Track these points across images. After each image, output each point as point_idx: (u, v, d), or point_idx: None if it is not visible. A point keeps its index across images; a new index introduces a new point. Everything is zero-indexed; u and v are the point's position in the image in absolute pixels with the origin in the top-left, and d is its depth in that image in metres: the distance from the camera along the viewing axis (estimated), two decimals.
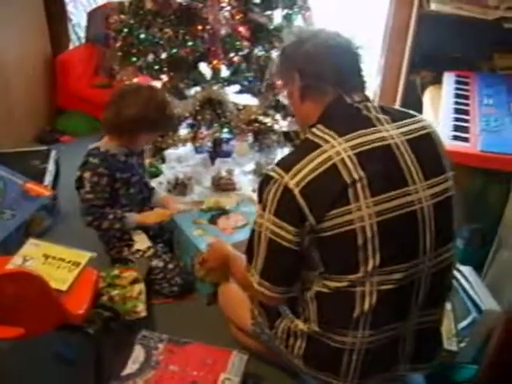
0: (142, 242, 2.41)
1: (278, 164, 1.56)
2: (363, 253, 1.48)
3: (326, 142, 1.50)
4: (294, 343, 1.72)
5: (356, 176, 1.45)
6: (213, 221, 2.49)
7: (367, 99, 1.59)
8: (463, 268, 2.14)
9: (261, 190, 1.57)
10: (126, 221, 2.37)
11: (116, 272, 2.23)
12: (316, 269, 1.57)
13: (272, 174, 1.52)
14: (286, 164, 1.52)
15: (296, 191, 1.46)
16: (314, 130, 1.55)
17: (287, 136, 1.48)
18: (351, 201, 1.45)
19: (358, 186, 1.45)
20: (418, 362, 1.70)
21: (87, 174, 2.30)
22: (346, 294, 1.53)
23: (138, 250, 2.39)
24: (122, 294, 2.16)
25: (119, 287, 2.18)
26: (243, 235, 2.28)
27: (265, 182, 1.55)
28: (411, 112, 1.67)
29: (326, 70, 1.56)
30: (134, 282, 2.22)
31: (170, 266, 2.37)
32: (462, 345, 1.98)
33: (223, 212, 2.54)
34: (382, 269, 1.49)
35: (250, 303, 1.92)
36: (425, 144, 1.58)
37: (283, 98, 2.75)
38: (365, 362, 1.60)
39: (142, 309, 2.16)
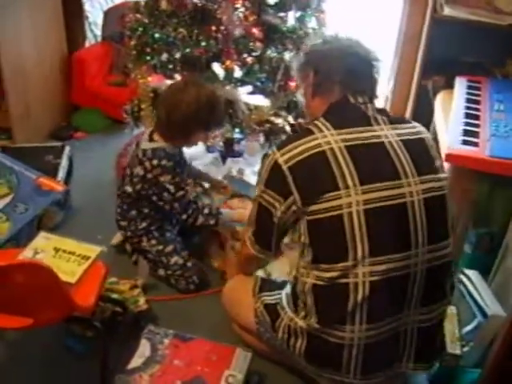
0: (142, 272, 2.41)
1: (276, 144, 1.73)
2: (351, 240, 1.54)
3: (320, 131, 1.62)
4: (295, 342, 1.74)
5: (344, 165, 1.55)
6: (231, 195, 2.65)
7: (370, 101, 1.70)
8: (469, 272, 2.14)
9: (261, 166, 1.76)
10: (222, 218, 2.37)
11: (114, 279, 2.26)
12: (307, 254, 1.64)
13: (269, 152, 1.69)
14: (280, 144, 1.68)
15: (284, 167, 1.60)
16: (315, 121, 1.67)
17: (293, 128, 1.65)
18: (340, 186, 1.54)
19: (347, 173, 1.54)
20: (419, 360, 1.72)
21: (168, 178, 2.27)
22: (339, 286, 1.59)
23: (158, 245, 2.42)
24: (121, 296, 2.20)
25: (118, 292, 2.22)
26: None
27: (264, 158, 1.73)
28: (409, 119, 1.82)
29: (336, 71, 1.69)
30: (133, 287, 2.26)
31: (189, 264, 2.40)
32: (466, 349, 1.99)
33: (245, 195, 2.64)
34: (371, 258, 1.55)
35: (254, 302, 1.94)
36: (419, 146, 1.68)
37: (295, 99, 2.77)
38: (366, 358, 1.62)
39: (142, 302, 2.20)
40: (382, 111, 1.70)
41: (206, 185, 2.72)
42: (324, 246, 1.62)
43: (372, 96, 1.72)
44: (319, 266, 1.61)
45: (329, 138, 1.59)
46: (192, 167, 2.72)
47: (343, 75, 1.68)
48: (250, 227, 1.84)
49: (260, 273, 2.18)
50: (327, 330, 1.63)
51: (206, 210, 2.35)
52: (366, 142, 1.60)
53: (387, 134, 1.63)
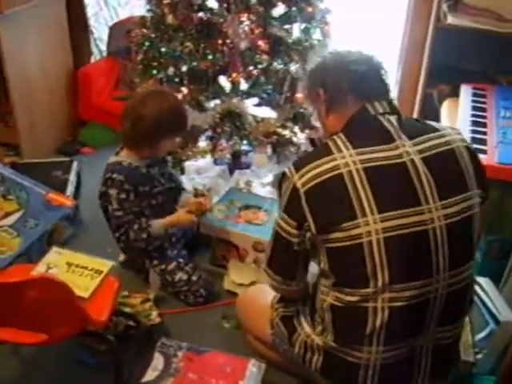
0: (153, 285, 2.41)
1: (293, 162, 1.63)
2: (371, 268, 1.49)
3: (339, 150, 1.53)
4: (312, 357, 1.74)
5: (362, 191, 1.47)
6: (241, 208, 2.61)
7: (391, 111, 1.60)
8: (481, 279, 2.14)
9: (279, 186, 1.66)
10: (152, 229, 2.34)
11: (126, 293, 2.27)
12: (328, 277, 1.59)
13: (287, 171, 1.60)
14: (298, 163, 1.59)
15: (301, 191, 1.53)
16: (334, 137, 1.59)
17: (312, 142, 1.57)
18: (358, 215, 1.47)
19: (364, 201, 1.47)
20: (434, 376, 1.69)
21: (113, 192, 2.29)
22: (358, 310, 1.55)
23: (160, 264, 2.42)
24: (133, 310, 2.20)
25: (130, 306, 2.22)
26: (246, 229, 2.46)
27: (282, 178, 1.64)
28: (438, 125, 1.67)
29: (344, 80, 1.62)
30: (145, 301, 2.27)
31: (194, 278, 2.39)
32: (480, 356, 1.98)
33: (257, 207, 2.61)
34: (392, 286, 1.50)
35: (270, 313, 1.92)
36: (444, 161, 1.57)
37: (302, 110, 2.79)
38: (381, 377, 1.61)
39: (155, 316, 2.20)
40: (404, 123, 1.59)
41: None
42: (345, 272, 1.56)
43: (387, 96, 1.64)
44: (341, 289, 1.57)
45: (347, 159, 1.50)
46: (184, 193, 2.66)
47: (352, 82, 1.61)
48: (266, 258, 1.76)
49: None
50: (344, 350, 1.62)
51: (136, 226, 2.32)
52: (385, 162, 1.51)
53: (409, 150, 1.53)
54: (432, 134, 1.59)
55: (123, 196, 2.30)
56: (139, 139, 2.30)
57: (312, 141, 1.61)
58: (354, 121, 1.60)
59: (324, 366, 1.71)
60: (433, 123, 1.68)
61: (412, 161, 1.52)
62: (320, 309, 1.68)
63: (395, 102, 1.65)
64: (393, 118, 1.58)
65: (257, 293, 2.12)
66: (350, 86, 1.61)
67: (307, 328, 1.75)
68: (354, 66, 1.62)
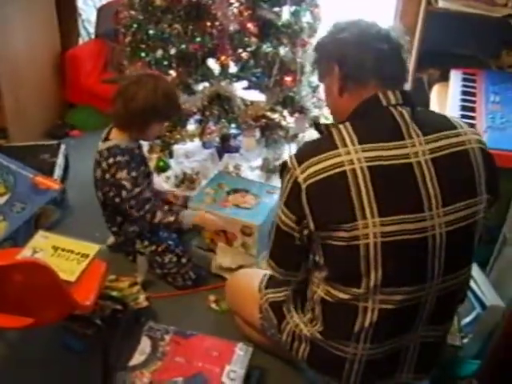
0: (141, 269, 2.41)
1: (295, 153, 1.55)
2: (365, 269, 1.46)
3: (344, 145, 1.44)
4: (299, 347, 1.74)
5: (364, 192, 1.41)
6: (229, 192, 2.58)
7: (404, 102, 1.49)
8: None
9: (281, 176, 1.58)
10: (182, 215, 2.34)
11: (113, 276, 2.26)
12: (322, 270, 1.58)
13: (288, 162, 1.52)
14: (300, 155, 1.51)
15: (303, 186, 1.46)
16: (340, 126, 1.49)
17: (317, 127, 1.47)
18: (358, 217, 1.42)
19: (366, 203, 1.41)
20: (419, 371, 1.69)
21: (123, 174, 2.26)
22: (347, 307, 1.54)
23: (150, 245, 2.41)
24: (120, 294, 2.20)
25: (117, 290, 2.22)
26: (234, 213, 2.44)
27: (283, 169, 1.55)
28: (455, 121, 1.58)
29: (366, 58, 1.49)
30: (132, 285, 2.26)
31: (183, 260, 2.40)
32: (466, 340, 2.00)
33: (245, 190, 2.59)
34: (383, 288, 1.48)
35: (258, 297, 1.92)
36: (455, 164, 1.50)
37: (291, 94, 2.77)
38: (366, 371, 1.62)
39: (142, 300, 2.20)
40: (418, 117, 1.49)
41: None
42: (338, 270, 1.53)
43: (403, 82, 1.54)
44: (333, 285, 1.56)
45: (352, 156, 1.42)
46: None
47: (374, 61, 1.48)
48: (268, 250, 1.71)
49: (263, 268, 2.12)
50: (330, 343, 1.62)
51: (166, 207, 2.35)
52: (392, 162, 1.43)
53: (418, 150, 1.45)
54: (448, 132, 1.51)
55: (134, 174, 2.29)
56: (130, 119, 2.28)
57: (318, 125, 1.51)
58: (363, 108, 1.50)
59: (310, 356, 1.71)
60: (450, 117, 1.61)
61: (419, 163, 1.45)
62: (311, 299, 1.67)
63: (409, 91, 1.55)
64: (405, 111, 1.48)
65: (246, 276, 2.12)
66: (375, 66, 1.49)
67: (296, 317, 1.75)
68: (380, 44, 1.48)
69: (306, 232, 1.51)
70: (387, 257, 1.45)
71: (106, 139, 2.36)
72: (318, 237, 1.50)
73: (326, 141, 1.49)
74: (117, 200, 2.32)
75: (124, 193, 2.29)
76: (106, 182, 2.32)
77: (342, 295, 1.54)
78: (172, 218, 2.33)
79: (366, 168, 1.41)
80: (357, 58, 1.49)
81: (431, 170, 1.45)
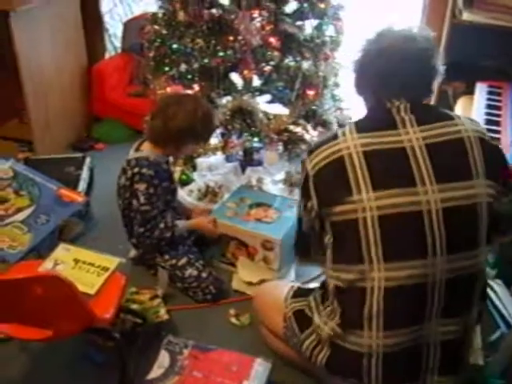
0: (162, 282, 2.41)
1: (308, 148, 1.76)
2: (366, 244, 1.54)
3: (343, 134, 1.62)
4: (319, 353, 1.74)
5: (359, 171, 1.55)
6: (251, 206, 2.59)
7: (411, 102, 1.61)
8: (493, 282, 2.11)
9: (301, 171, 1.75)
10: (177, 229, 2.41)
11: (134, 289, 2.27)
12: (330, 254, 1.66)
13: (304, 156, 1.72)
14: (310, 149, 1.70)
15: (310, 174, 1.64)
16: (347, 124, 1.73)
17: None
18: (354, 192, 1.54)
19: (361, 179, 1.54)
20: (444, 373, 1.67)
21: (142, 186, 2.31)
22: (356, 290, 1.59)
23: (171, 259, 2.43)
24: (141, 307, 2.20)
25: (138, 302, 2.22)
26: (255, 227, 2.44)
27: (301, 163, 1.74)
28: (455, 114, 1.68)
29: (367, 76, 1.68)
30: (153, 298, 2.27)
31: (204, 274, 2.40)
32: (490, 359, 1.96)
33: (267, 205, 2.59)
34: (386, 264, 1.53)
35: (283, 307, 1.93)
36: (448, 149, 1.58)
37: (314, 107, 2.77)
38: (385, 369, 1.61)
39: (163, 313, 2.20)
40: (414, 110, 1.60)
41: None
42: (342, 246, 1.62)
43: (416, 95, 1.63)
44: (339, 268, 1.63)
45: (349, 143, 1.58)
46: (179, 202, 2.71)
47: (372, 80, 1.66)
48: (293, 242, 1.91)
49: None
50: (347, 337, 1.64)
51: (162, 225, 2.37)
52: (385, 146, 1.56)
53: (412, 137, 1.56)
54: (445, 122, 1.60)
55: (152, 191, 2.32)
56: (167, 137, 2.33)
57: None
58: (369, 110, 1.72)
59: (330, 360, 1.72)
60: (450, 112, 1.69)
61: (412, 147, 1.56)
62: (328, 292, 1.71)
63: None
64: (403, 106, 1.60)
65: (273, 287, 2.15)
66: (371, 84, 1.68)
67: (317, 318, 1.76)
68: (381, 66, 1.62)
69: (313, 214, 1.66)
70: (385, 230, 1.53)
71: (138, 149, 2.40)
72: (325, 215, 1.63)
73: (331, 134, 1.69)
74: (129, 210, 2.38)
75: (135, 203, 2.33)
76: (127, 189, 2.37)
77: (349, 276, 1.59)
78: (168, 234, 2.38)
79: (361, 152, 1.56)
80: (360, 74, 1.71)
81: (424, 154, 1.55)
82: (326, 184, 1.62)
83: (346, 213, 1.56)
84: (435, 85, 1.70)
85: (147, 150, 2.38)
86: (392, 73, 1.61)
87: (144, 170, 2.31)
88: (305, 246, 1.85)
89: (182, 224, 2.45)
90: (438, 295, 1.56)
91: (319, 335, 1.73)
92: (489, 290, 2.07)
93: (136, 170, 2.32)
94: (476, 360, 1.93)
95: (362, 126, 1.63)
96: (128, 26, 3.80)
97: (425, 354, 1.63)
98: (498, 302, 2.02)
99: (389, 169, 1.56)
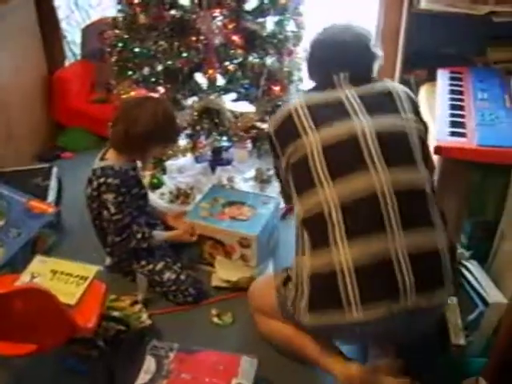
0: (141, 287, 2.39)
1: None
2: (315, 171, 1.79)
3: (293, 101, 1.97)
4: (301, 299, 1.82)
5: (303, 117, 1.86)
6: (225, 204, 2.59)
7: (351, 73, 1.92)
8: (467, 262, 2.15)
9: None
10: (153, 241, 2.40)
11: (113, 296, 2.26)
12: (293, 192, 1.90)
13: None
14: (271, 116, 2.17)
15: (272, 132, 1.97)
16: None
17: None
18: (301, 133, 1.84)
19: (305, 122, 1.85)
20: (420, 290, 1.71)
21: (111, 196, 2.28)
22: (317, 215, 1.78)
23: (147, 265, 2.42)
24: (123, 314, 2.19)
25: (119, 309, 2.21)
26: (231, 226, 2.46)
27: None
28: (385, 80, 2.00)
29: (314, 65, 2.05)
30: (134, 303, 2.26)
31: (182, 277, 2.39)
32: (470, 338, 2.00)
33: (241, 202, 2.60)
34: (334, 181, 1.76)
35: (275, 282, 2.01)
36: (377, 95, 1.90)
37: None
38: (360, 286, 1.69)
39: (145, 318, 2.19)
40: (362, 78, 1.94)
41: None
42: (298, 177, 1.87)
43: (355, 71, 1.92)
44: (301, 199, 1.85)
45: (296, 103, 1.91)
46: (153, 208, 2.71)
47: (319, 65, 2.02)
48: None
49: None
50: (320, 259, 1.77)
51: (139, 235, 2.36)
52: (324, 99, 1.89)
53: (346, 92, 1.88)
54: (376, 84, 1.94)
55: (121, 199, 2.30)
56: (132, 144, 2.30)
57: None
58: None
59: (310, 298, 1.79)
60: (385, 80, 2.01)
61: (347, 97, 1.87)
62: (302, 234, 1.86)
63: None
64: (343, 75, 1.91)
65: (265, 277, 2.26)
66: (319, 70, 2.03)
67: (298, 260, 1.87)
68: (329, 42, 2.00)
69: (283, 165, 1.92)
70: (329, 156, 1.79)
71: (102, 158, 2.36)
72: (286, 159, 1.90)
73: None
74: (100, 220, 2.37)
75: (105, 213, 2.31)
76: (94, 200, 2.34)
77: (309, 203, 1.81)
78: (144, 245, 2.39)
79: (305, 105, 1.88)
80: (310, 60, 2.05)
81: (356, 99, 1.87)
82: (282, 134, 1.93)
83: (298, 150, 1.84)
84: (375, 67, 2.01)
85: (112, 158, 2.35)
86: (334, 55, 1.95)
87: (110, 180, 2.28)
88: (285, 193, 2.06)
89: (158, 235, 2.44)
90: (391, 206, 1.72)
91: (301, 273, 1.82)
92: (464, 271, 2.11)
93: (102, 180, 2.29)
94: (457, 340, 1.96)
95: (307, 92, 2.01)
96: (86, 31, 3.75)
97: (397, 269, 1.69)
98: (474, 282, 2.05)
99: (327, 111, 1.86)
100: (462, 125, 2.28)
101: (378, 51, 2.00)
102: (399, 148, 1.82)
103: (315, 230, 1.81)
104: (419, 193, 1.79)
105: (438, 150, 2.12)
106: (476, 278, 2.07)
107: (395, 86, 1.96)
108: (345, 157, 1.79)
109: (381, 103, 1.88)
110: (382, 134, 1.79)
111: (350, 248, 1.71)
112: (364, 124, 1.80)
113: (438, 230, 1.79)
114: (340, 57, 1.94)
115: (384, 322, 1.71)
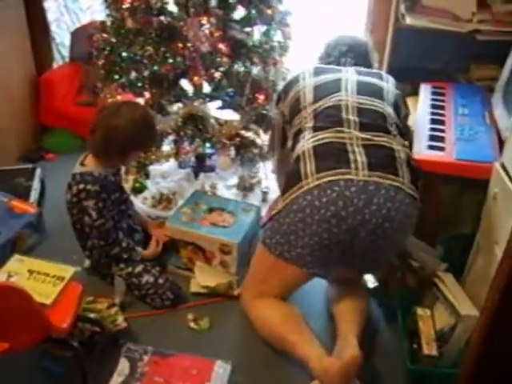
0: (118, 290, 2.39)
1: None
2: (303, 97, 2.27)
3: (304, 78, 2.35)
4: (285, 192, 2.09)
5: (308, 93, 2.27)
6: (206, 210, 2.61)
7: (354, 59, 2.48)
8: (443, 275, 2.18)
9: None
10: (135, 254, 2.42)
11: (91, 298, 2.26)
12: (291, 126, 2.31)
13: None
14: (280, 92, 2.53)
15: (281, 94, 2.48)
16: None
17: None
18: (300, 81, 2.35)
19: (306, 74, 2.36)
20: (373, 170, 1.97)
21: (90, 203, 2.28)
22: (297, 129, 2.24)
23: (126, 267, 2.42)
24: (99, 316, 2.19)
25: (95, 311, 2.21)
26: (212, 232, 2.46)
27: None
28: (382, 73, 2.45)
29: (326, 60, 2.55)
30: (111, 306, 2.26)
31: (160, 280, 2.39)
32: (443, 350, 2.02)
33: (222, 209, 2.61)
34: (315, 103, 2.22)
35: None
36: (372, 88, 2.27)
37: (264, 111, 2.81)
38: (316, 163, 2.02)
39: (121, 321, 2.19)
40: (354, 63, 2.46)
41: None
42: (292, 107, 2.32)
43: (359, 60, 2.47)
44: (292, 124, 2.30)
45: (306, 82, 2.32)
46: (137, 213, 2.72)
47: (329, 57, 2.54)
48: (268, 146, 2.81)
49: None
50: (295, 156, 2.14)
51: (124, 244, 2.39)
52: (329, 76, 2.31)
53: (348, 75, 2.30)
54: (372, 74, 2.37)
55: (101, 205, 2.30)
56: (110, 150, 2.29)
57: None
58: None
59: (285, 187, 2.10)
60: (383, 73, 2.47)
61: (346, 79, 2.27)
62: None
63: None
64: (349, 61, 2.46)
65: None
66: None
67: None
68: (337, 41, 2.59)
69: (281, 119, 2.44)
70: (317, 90, 2.27)
71: (82, 164, 2.36)
72: (283, 97, 2.43)
73: (294, 79, 2.44)
74: (81, 225, 2.37)
75: (87, 219, 2.31)
76: (74, 206, 2.34)
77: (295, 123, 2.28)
78: (125, 256, 2.40)
79: (313, 82, 2.30)
80: (325, 54, 2.58)
81: (354, 84, 2.25)
82: (287, 93, 2.40)
83: (295, 92, 2.32)
84: (374, 64, 2.60)
85: (91, 164, 2.35)
86: (342, 49, 2.50)
87: (89, 187, 2.28)
88: (272, 141, 2.59)
89: (141, 252, 2.47)
90: (351, 111, 2.13)
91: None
92: (439, 283, 2.14)
93: (81, 186, 2.29)
94: (429, 351, 1.99)
95: (317, 72, 2.36)
96: (75, 34, 3.75)
97: (350, 151, 2.02)
98: (448, 294, 2.08)
99: (327, 88, 2.25)
100: (441, 139, 2.32)
101: (375, 54, 2.67)
102: (370, 89, 2.25)
103: (295, 137, 2.22)
104: (380, 114, 2.16)
105: (416, 162, 2.15)
106: (450, 291, 2.09)
107: (389, 87, 2.34)
108: (328, 89, 2.23)
109: (369, 73, 2.36)
110: (361, 82, 2.26)
111: (312, 139, 2.09)
112: (348, 76, 2.28)
113: (395, 142, 2.11)
114: (345, 51, 2.49)
115: (344, 198, 1.93)
